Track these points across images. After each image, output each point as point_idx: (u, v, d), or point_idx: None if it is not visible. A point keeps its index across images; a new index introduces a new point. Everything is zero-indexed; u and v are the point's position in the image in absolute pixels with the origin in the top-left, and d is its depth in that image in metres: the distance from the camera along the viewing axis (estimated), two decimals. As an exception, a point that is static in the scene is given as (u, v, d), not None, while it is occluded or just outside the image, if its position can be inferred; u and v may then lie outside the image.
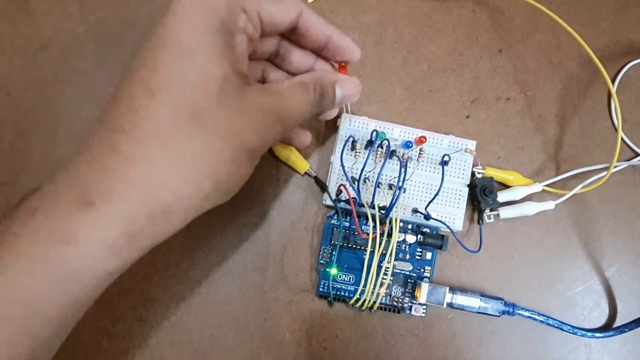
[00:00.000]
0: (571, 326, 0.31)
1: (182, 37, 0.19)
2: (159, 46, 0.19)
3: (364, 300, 0.29)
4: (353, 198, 0.29)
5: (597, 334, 0.31)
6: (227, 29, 0.20)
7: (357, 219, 0.28)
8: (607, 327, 0.32)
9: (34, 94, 0.32)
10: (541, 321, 0.31)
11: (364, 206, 0.29)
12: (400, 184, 0.28)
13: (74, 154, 0.20)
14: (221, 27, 0.20)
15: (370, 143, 0.30)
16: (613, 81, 0.35)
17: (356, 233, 0.29)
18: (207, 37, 0.20)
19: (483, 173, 0.32)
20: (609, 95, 0.35)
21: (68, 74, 0.33)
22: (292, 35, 0.25)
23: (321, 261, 0.31)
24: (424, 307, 0.31)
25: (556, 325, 0.31)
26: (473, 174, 0.32)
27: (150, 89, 0.19)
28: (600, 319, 0.33)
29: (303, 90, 0.23)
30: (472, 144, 0.31)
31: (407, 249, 0.31)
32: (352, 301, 0.29)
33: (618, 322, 0.32)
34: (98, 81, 0.33)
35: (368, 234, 0.28)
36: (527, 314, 0.31)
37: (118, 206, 0.18)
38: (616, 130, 0.34)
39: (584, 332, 0.31)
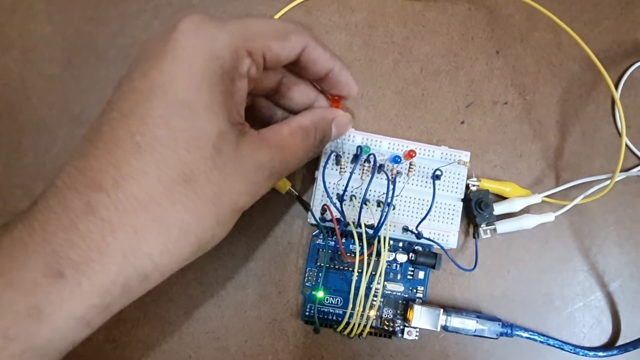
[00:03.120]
0: (573, 345, 0.30)
1: (178, 87, 0.18)
2: (152, 93, 0.17)
3: (353, 325, 0.27)
4: (337, 218, 0.27)
5: (600, 353, 0.30)
6: (229, 76, 0.19)
7: (341, 242, 0.26)
8: (610, 346, 0.31)
9: (-4, 101, 0.30)
10: (541, 342, 0.29)
11: (350, 225, 0.27)
12: (388, 201, 0.26)
13: (42, 193, 0.17)
14: (222, 75, 0.18)
15: (356, 157, 0.28)
16: (617, 84, 0.33)
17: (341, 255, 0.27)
18: (207, 88, 0.18)
19: (478, 186, 0.30)
20: (613, 100, 0.33)
21: (34, 79, 0.31)
22: (291, 65, 0.23)
23: (307, 284, 0.29)
24: (417, 330, 0.29)
25: (557, 346, 0.29)
26: (467, 187, 0.30)
27: (137, 143, 0.17)
28: (602, 337, 0.31)
29: (303, 137, 0.22)
30: (465, 155, 0.29)
31: (397, 269, 0.29)
32: (340, 327, 0.28)
33: (621, 341, 0.31)
34: (67, 86, 0.31)
35: (354, 256, 0.26)
36: (526, 334, 0.29)
37: (91, 278, 0.16)
38: (620, 136, 0.32)
39: (586, 352, 0.30)
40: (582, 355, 0.30)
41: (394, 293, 0.29)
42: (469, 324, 0.28)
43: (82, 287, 0.16)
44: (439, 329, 0.28)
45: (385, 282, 0.29)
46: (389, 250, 0.28)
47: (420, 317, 0.28)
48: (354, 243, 0.28)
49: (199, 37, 0.18)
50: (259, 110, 0.26)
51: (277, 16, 0.32)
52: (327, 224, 0.28)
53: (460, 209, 0.29)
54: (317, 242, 0.29)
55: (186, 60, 0.18)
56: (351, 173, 0.27)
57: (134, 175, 0.17)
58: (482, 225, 0.30)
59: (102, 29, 0.31)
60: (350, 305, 0.27)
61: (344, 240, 0.29)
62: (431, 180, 0.28)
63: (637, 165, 0.32)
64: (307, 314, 0.29)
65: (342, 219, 0.27)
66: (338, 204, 0.27)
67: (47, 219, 0.16)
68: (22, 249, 0.16)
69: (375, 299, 0.28)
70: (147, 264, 0.17)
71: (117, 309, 0.18)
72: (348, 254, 0.28)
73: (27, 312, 0.16)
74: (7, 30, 0.31)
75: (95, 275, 0.16)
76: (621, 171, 0.29)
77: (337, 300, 0.29)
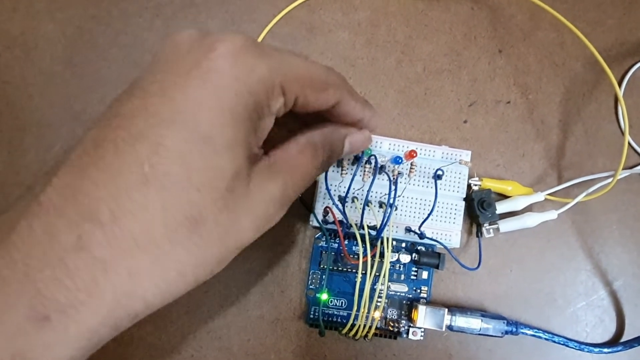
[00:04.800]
0: (578, 342, 0.29)
1: (202, 119, 0.15)
2: (171, 120, 0.15)
3: (358, 327, 0.27)
4: (340, 220, 0.27)
5: (605, 350, 0.30)
6: (258, 113, 0.17)
7: (344, 244, 0.26)
8: (614, 343, 0.31)
9: (-2, 99, 0.30)
10: (546, 339, 0.29)
11: (352, 227, 0.27)
12: (390, 202, 0.26)
13: (22, 202, 0.15)
14: (252, 112, 0.17)
15: (357, 159, 0.28)
16: (620, 83, 0.33)
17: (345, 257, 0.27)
18: (232, 125, 0.16)
19: (480, 185, 0.30)
20: (616, 98, 0.33)
21: (35, 77, 0.30)
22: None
23: (310, 286, 0.29)
24: (422, 330, 0.29)
25: (562, 343, 0.29)
26: (469, 186, 0.29)
27: (145, 175, 0.15)
28: (604, 336, 0.31)
29: (312, 153, 0.20)
30: (467, 155, 0.29)
31: (401, 269, 0.29)
32: (345, 330, 0.27)
33: (624, 339, 0.31)
34: (68, 84, 0.31)
35: (358, 258, 0.26)
36: (530, 332, 0.29)
37: (79, 322, 0.15)
38: (623, 135, 0.32)
39: (591, 348, 0.30)
40: (587, 351, 0.30)
41: (398, 294, 0.29)
42: (474, 323, 0.28)
43: (69, 332, 0.15)
44: (444, 329, 0.28)
45: (389, 283, 0.29)
46: (392, 251, 0.28)
47: (425, 318, 0.28)
48: (356, 245, 0.27)
49: (237, 65, 0.16)
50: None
51: (279, 15, 0.32)
52: (330, 226, 0.28)
53: (463, 209, 0.29)
54: (320, 244, 0.29)
55: (217, 90, 0.16)
56: (353, 175, 0.27)
57: (135, 211, 0.15)
58: (484, 225, 0.29)
59: (104, 27, 0.31)
60: (355, 307, 0.27)
61: (346, 242, 0.29)
62: (433, 181, 0.28)
63: (639, 164, 0.32)
64: (311, 316, 0.29)
65: (345, 220, 0.27)
66: (340, 206, 0.27)
67: (30, 251, 0.14)
68: (3, 286, 0.14)
69: (379, 300, 0.28)
70: (139, 305, 0.16)
71: (103, 344, 0.16)
72: (351, 256, 0.28)
73: (10, 359, 0.14)
74: (8, 28, 0.31)
75: (83, 319, 0.15)
76: (624, 169, 0.29)
77: (341, 302, 0.29)
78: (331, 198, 0.27)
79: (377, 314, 0.28)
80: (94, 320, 0.15)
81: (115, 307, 0.15)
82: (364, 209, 0.27)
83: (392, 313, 0.29)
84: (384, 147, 0.29)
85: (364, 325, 0.27)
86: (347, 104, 0.21)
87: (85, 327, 0.15)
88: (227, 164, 0.16)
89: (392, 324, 0.29)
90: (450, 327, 0.28)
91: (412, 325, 0.29)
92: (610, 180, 0.29)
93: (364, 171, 0.28)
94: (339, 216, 0.27)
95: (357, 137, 0.22)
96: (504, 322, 0.29)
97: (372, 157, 0.28)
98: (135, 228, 0.15)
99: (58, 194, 0.15)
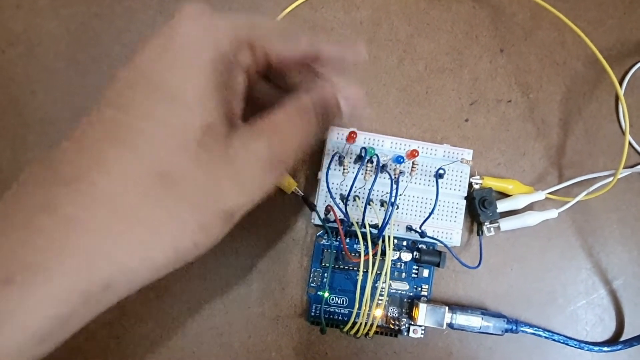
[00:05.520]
0: (577, 341, 0.30)
1: (167, 75, 0.16)
2: (136, 82, 0.16)
3: (360, 325, 0.27)
4: (341, 219, 0.27)
5: (605, 348, 0.30)
6: (226, 67, 0.17)
7: (345, 243, 0.26)
8: (614, 342, 0.31)
9: (1, 96, 0.30)
10: (546, 337, 0.29)
11: (354, 225, 0.27)
12: (392, 201, 0.26)
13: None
14: (218, 65, 0.16)
15: (360, 158, 0.28)
16: (620, 82, 0.33)
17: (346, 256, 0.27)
18: (198, 77, 0.16)
19: (481, 183, 0.30)
20: (617, 98, 0.33)
21: (39, 74, 0.31)
22: (298, 65, 0.21)
23: (312, 284, 0.29)
24: (423, 328, 0.29)
25: (561, 341, 0.29)
26: (470, 185, 0.30)
27: (115, 135, 0.15)
28: (604, 335, 0.31)
29: (302, 117, 0.19)
30: (468, 154, 0.29)
31: (402, 267, 0.29)
32: (347, 328, 0.28)
33: (623, 338, 0.31)
34: (71, 81, 0.31)
35: (359, 256, 0.26)
36: (530, 330, 0.29)
37: (46, 284, 0.14)
38: (623, 134, 0.32)
39: (591, 347, 0.30)
40: (587, 350, 0.30)
41: (399, 292, 0.29)
42: (474, 321, 0.28)
43: (35, 296, 0.14)
44: (444, 327, 0.28)
45: (390, 281, 0.29)
46: (394, 249, 0.28)
47: (426, 316, 0.28)
48: (358, 243, 0.28)
49: (198, 24, 0.16)
50: (256, 97, 0.22)
51: (283, 13, 0.32)
52: (332, 224, 0.28)
53: (464, 207, 0.29)
54: (322, 242, 0.29)
55: (180, 47, 0.16)
56: (356, 174, 0.27)
57: (107, 169, 0.15)
58: (485, 223, 0.30)
59: (107, 24, 0.31)
60: (357, 305, 0.27)
61: (348, 240, 0.29)
62: (434, 179, 0.28)
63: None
64: (312, 314, 0.29)
65: (346, 219, 0.27)
66: (341, 205, 0.27)
67: (2, 215, 0.14)
68: None
69: (381, 298, 0.28)
70: (110, 269, 0.15)
71: (76, 325, 0.15)
72: (352, 254, 0.28)
73: None
74: (12, 25, 0.31)
75: (51, 281, 0.14)
76: (624, 168, 0.29)
77: (343, 300, 0.29)
78: (332, 197, 0.27)
79: (379, 312, 0.28)
80: (63, 283, 0.14)
81: (84, 268, 0.14)
82: (365, 207, 0.27)
83: (393, 311, 0.29)
84: (386, 145, 0.29)
85: (365, 323, 0.27)
86: (323, 47, 0.19)
87: (53, 291, 0.14)
88: (195, 117, 0.16)
89: (393, 322, 0.29)
90: (450, 325, 0.28)
91: (412, 323, 0.29)
92: (610, 179, 0.29)
93: (366, 170, 0.28)
94: (340, 215, 0.27)
95: (349, 91, 0.20)
96: (504, 321, 0.29)
97: (375, 156, 0.28)
98: (106, 184, 0.15)
99: (33, 169, 0.15)
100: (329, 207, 0.27)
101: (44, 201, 0.14)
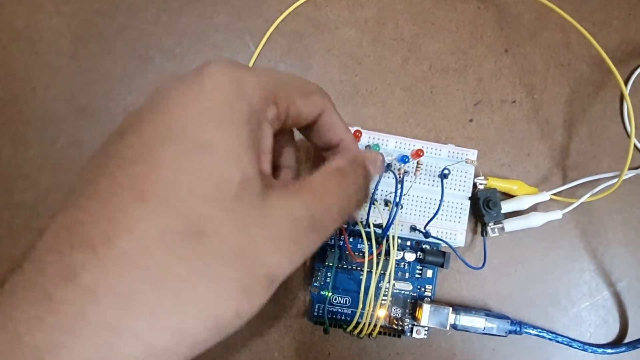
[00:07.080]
0: (581, 342, 0.29)
1: (199, 128, 0.15)
2: (168, 137, 0.14)
3: (363, 325, 0.27)
4: None
5: (609, 350, 0.30)
6: (256, 119, 0.16)
7: (348, 242, 0.26)
8: (617, 344, 0.31)
9: (2, 92, 0.30)
10: (549, 339, 0.29)
11: (358, 225, 0.27)
12: (396, 201, 0.26)
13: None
14: (250, 117, 0.16)
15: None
16: (626, 83, 0.33)
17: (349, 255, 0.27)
18: (232, 129, 0.15)
19: (485, 184, 0.29)
20: (622, 99, 0.33)
21: (40, 70, 0.30)
22: (306, 130, 0.21)
23: (315, 284, 0.29)
24: (426, 328, 0.29)
25: (565, 343, 0.29)
26: (475, 185, 0.29)
27: (142, 191, 0.13)
28: (607, 337, 0.31)
29: (341, 178, 0.18)
30: (472, 154, 0.29)
31: (406, 268, 0.29)
32: (350, 327, 0.27)
33: (627, 340, 0.31)
34: (73, 78, 0.30)
35: (363, 256, 0.26)
36: (534, 332, 0.29)
37: None
38: (628, 136, 0.32)
39: (594, 349, 0.30)
40: (591, 352, 0.29)
41: (403, 292, 0.29)
42: (478, 322, 0.28)
43: None
44: (448, 328, 0.28)
45: (394, 281, 0.29)
46: (397, 249, 0.28)
47: (430, 316, 0.28)
48: (362, 242, 0.27)
49: (227, 77, 0.16)
50: (277, 158, 0.22)
51: (286, 12, 0.32)
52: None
53: (468, 208, 0.29)
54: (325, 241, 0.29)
55: (211, 99, 0.15)
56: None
57: (131, 228, 0.13)
58: (490, 224, 0.29)
59: (109, 21, 0.31)
60: (360, 305, 0.27)
61: (352, 240, 0.29)
62: (439, 179, 0.28)
63: (644, 165, 0.32)
64: (315, 314, 0.29)
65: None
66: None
67: (14, 290, 0.13)
68: None
69: (384, 298, 0.28)
70: (134, 350, 0.13)
71: None
72: (356, 254, 0.28)
73: None
74: (13, 21, 0.31)
75: None
76: (629, 169, 0.29)
77: (346, 300, 0.29)
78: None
79: (382, 312, 0.28)
80: None
81: (104, 348, 0.12)
82: (370, 207, 0.27)
83: (397, 311, 0.29)
84: (390, 145, 0.29)
85: (369, 324, 0.27)
86: (332, 115, 0.20)
87: None
88: (230, 169, 0.15)
89: (396, 323, 0.29)
90: (454, 326, 0.28)
91: (416, 323, 0.28)
92: (615, 180, 0.29)
93: (371, 169, 0.28)
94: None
95: (371, 156, 0.21)
96: (508, 322, 0.28)
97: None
98: (131, 247, 0.13)
99: (52, 233, 0.13)
100: None
101: (64, 271, 0.13)
